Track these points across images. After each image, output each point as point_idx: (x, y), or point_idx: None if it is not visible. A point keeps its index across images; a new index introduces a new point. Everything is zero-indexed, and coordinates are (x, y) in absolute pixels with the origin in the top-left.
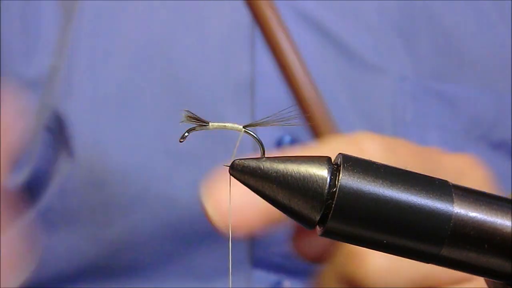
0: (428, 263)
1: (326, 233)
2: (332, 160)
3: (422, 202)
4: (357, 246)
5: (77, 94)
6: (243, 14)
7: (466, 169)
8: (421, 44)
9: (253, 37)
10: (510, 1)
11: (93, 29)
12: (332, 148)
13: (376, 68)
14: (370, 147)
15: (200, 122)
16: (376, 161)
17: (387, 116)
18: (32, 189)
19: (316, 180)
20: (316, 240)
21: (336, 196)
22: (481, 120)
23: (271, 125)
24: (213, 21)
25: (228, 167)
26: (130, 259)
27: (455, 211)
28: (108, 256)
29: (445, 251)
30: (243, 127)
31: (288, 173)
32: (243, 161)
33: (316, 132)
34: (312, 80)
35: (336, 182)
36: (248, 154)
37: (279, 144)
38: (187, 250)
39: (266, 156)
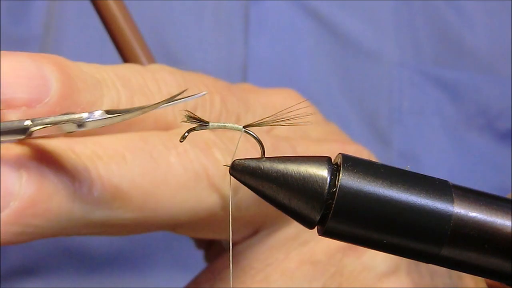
0: (428, 263)
1: (326, 233)
2: (332, 160)
3: (422, 202)
4: None
5: None
6: None
7: (288, 103)
8: (419, 29)
9: (247, 19)
10: None
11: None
12: (129, 70)
13: (372, 54)
14: (166, 78)
15: (200, 122)
16: (376, 161)
17: (382, 103)
18: None
19: (316, 180)
20: None
21: (336, 196)
22: (486, 109)
23: (271, 125)
24: (207, 3)
25: (229, 167)
26: (116, 248)
27: (455, 211)
28: (94, 244)
29: (445, 251)
30: (243, 127)
31: (288, 173)
32: (243, 161)
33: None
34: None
35: (336, 182)
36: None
37: None
38: (175, 241)
39: (266, 156)
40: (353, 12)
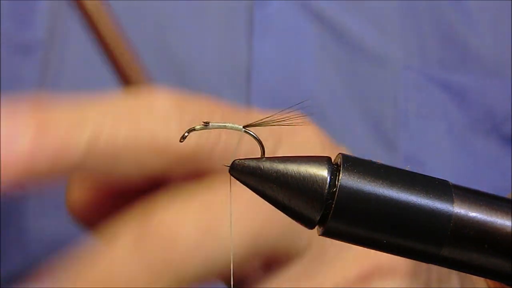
0: (428, 263)
1: (326, 233)
2: (333, 160)
3: (422, 202)
4: None
5: (69, 71)
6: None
7: (313, 140)
8: (425, 32)
9: (251, 22)
10: None
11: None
12: (125, 101)
13: (377, 58)
14: (160, 103)
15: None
16: (376, 161)
17: (388, 107)
18: None
19: (316, 180)
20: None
21: (336, 196)
22: (492, 113)
23: (271, 125)
24: (211, 6)
25: (228, 167)
26: None
27: (455, 211)
28: None
29: (445, 251)
30: (243, 127)
31: (288, 173)
32: (243, 161)
33: (126, 82)
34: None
35: (336, 182)
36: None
37: None
38: None
39: (266, 156)
40: (358, 15)
